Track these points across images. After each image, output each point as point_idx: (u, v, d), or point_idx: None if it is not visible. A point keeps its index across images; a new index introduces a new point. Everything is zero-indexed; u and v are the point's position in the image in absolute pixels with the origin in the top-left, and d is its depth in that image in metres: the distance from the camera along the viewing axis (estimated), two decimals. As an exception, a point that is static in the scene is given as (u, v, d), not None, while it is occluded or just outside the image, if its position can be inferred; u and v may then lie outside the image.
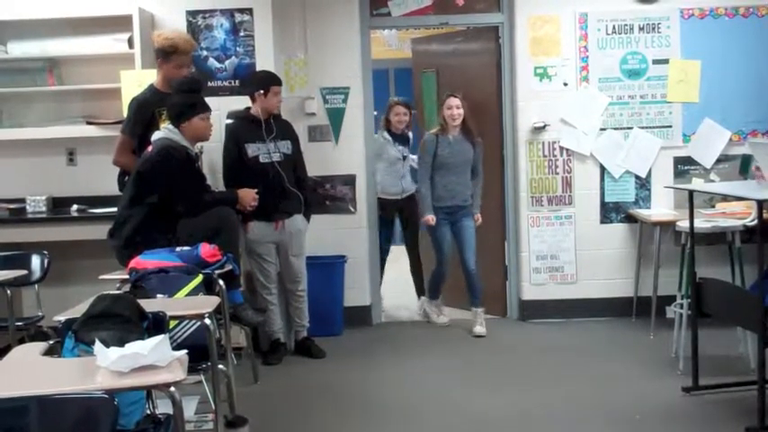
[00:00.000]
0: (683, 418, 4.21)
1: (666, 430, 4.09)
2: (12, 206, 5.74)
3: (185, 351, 2.49)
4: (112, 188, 5.18)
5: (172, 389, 2.33)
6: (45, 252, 4.94)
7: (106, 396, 2.09)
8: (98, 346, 2.43)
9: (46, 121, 5.75)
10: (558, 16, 6.07)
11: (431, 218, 5.86)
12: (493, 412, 4.37)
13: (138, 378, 2.33)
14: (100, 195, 5.61)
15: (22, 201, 5.74)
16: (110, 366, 2.33)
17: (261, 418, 4.28)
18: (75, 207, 5.69)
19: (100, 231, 5.08)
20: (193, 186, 4.61)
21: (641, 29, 6.06)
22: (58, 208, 5.79)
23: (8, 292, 4.33)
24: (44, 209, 5.74)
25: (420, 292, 6.64)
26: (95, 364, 2.44)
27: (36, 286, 4.90)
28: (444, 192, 5.87)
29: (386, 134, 6.50)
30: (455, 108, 5.80)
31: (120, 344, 2.53)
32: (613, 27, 6.07)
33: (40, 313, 4.87)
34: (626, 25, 6.06)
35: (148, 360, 2.36)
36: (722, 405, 4.33)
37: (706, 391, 4.48)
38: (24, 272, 4.53)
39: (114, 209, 4.94)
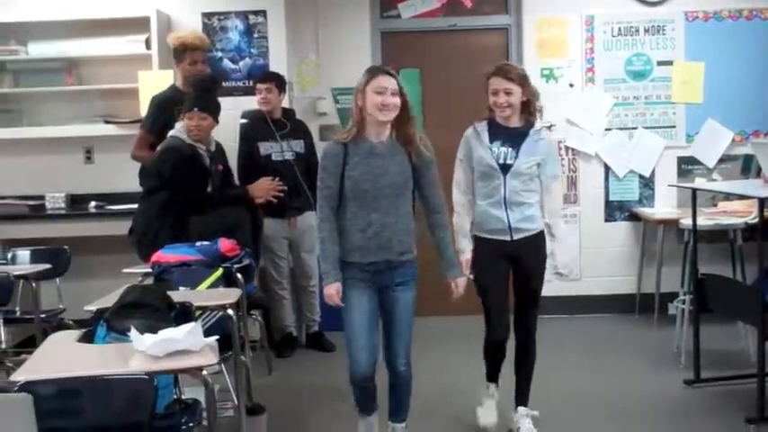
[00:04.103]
0: (686, 409, 4.33)
1: (669, 422, 4.20)
2: (31, 203, 5.89)
3: (216, 337, 2.63)
4: (129, 185, 5.36)
5: (204, 372, 2.48)
6: (66, 247, 5.09)
7: (147, 377, 2.24)
8: (134, 332, 2.58)
9: (65, 121, 5.89)
10: (565, 18, 6.20)
11: (334, 289, 3.49)
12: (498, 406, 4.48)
13: (173, 362, 2.47)
14: (116, 192, 5.75)
15: (42, 198, 5.89)
16: (147, 351, 2.48)
17: (275, 407, 4.42)
18: (93, 204, 5.84)
19: (117, 227, 5.28)
20: (194, 183, 4.73)
21: (646, 31, 6.19)
22: (76, 204, 5.94)
23: (33, 285, 4.48)
24: (63, 205, 5.90)
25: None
26: (129, 349, 2.58)
27: (57, 280, 5.05)
28: (362, 238, 3.49)
29: (479, 125, 3.92)
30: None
31: (151, 332, 2.67)
32: (619, 29, 6.20)
33: (61, 306, 5.02)
34: (631, 27, 6.20)
35: (182, 345, 2.50)
36: (723, 397, 4.45)
37: (707, 383, 4.61)
38: (49, 266, 4.67)
39: (131, 205, 5.18)
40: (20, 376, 2.33)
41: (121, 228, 5.12)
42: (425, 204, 3.60)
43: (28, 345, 4.75)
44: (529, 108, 3.85)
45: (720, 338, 5.20)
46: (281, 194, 5.24)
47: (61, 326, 4.81)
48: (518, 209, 3.82)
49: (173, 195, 4.66)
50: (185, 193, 4.67)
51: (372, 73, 3.50)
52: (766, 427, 3.97)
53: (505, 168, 3.81)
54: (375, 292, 3.55)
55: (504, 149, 3.83)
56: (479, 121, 3.92)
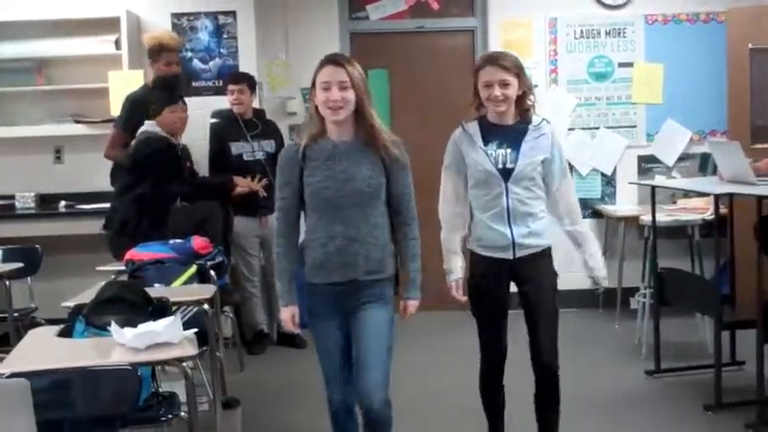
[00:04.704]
0: (647, 398, 4.49)
1: (631, 410, 4.34)
2: (1, 202, 5.91)
3: (194, 330, 2.71)
4: (98, 185, 5.42)
5: (184, 364, 2.55)
6: (38, 246, 5.11)
7: (130, 368, 2.31)
8: (114, 326, 2.64)
9: (35, 120, 5.91)
10: (530, 20, 6.35)
11: (289, 314, 3.17)
12: (465, 400, 4.52)
13: (154, 354, 2.54)
14: (86, 192, 5.78)
15: (12, 197, 5.91)
16: (128, 343, 2.55)
17: (248, 402, 4.49)
18: (62, 203, 5.86)
19: (87, 227, 5.33)
20: (172, 171, 4.81)
21: (608, 33, 6.37)
22: (46, 204, 5.95)
23: (7, 283, 4.51)
24: (32, 205, 5.91)
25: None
26: (110, 342, 2.65)
27: (29, 279, 5.07)
28: (324, 254, 3.03)
29: (469, 126, 3.41)
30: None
31: (129, 326, 2.73)
32: (581, 31, 6.37)
33: (33, 305, 5.05)
34: (593, 30, 6.37)
35: (162, 338, 2.58)
36: (682, 386, 4.62)
37: (667, 374, 4.77)
38: (21, 265, 4.70)
39: (101, 205, 5.23)
40: (4, 369, 2.38)
41: (91, 227, 5.18)
42: (395, 215, 3.10)
43: (3, 342, 4.77)
44: (523, 103, 3.31)
45: (679, 330, 5.38)
46: (266, 193, 5.32)
47: (33, 324, 4.82)
48: (523, 221, 3.30)
49: (152, 184, 4.70)
50: (165, 183, 4.72)
51: (320, 65, 2.98)
52: (723, 414, 4.15)
53: (506, 174, 3.26)
54: (345, 320, 3.07)
55: (501, 151, 3.27)
56: (467, 121, 3.38)
